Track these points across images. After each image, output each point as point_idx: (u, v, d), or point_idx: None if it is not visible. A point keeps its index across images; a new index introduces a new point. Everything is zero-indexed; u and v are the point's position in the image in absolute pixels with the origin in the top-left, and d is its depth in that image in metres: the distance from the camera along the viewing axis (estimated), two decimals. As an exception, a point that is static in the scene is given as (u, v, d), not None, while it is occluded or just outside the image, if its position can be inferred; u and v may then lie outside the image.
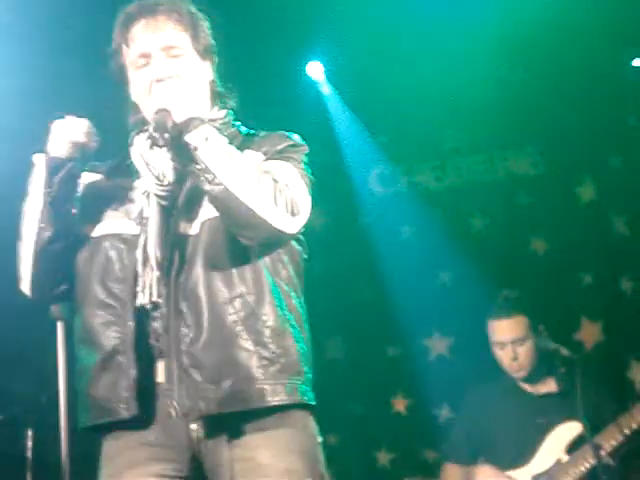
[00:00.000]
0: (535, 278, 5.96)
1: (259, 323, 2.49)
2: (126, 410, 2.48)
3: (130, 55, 2.65)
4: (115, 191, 2.68)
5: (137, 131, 2.68)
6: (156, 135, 2.43)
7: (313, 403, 2.56)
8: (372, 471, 6.19)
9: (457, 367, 6.09)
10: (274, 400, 2.46)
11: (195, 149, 2.41)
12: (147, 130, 2.60)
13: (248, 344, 2.47)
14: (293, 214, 2.46)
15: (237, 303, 2.48)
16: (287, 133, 2.68)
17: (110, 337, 2.52)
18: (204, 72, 2.70)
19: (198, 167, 2.42)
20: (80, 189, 2.68)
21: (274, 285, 2.55)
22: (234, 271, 2.51)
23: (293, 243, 2.65)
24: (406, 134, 6.30)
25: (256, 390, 2.45)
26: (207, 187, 2.41)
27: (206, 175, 2.41)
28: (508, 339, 4.59)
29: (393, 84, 5.88)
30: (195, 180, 2.47)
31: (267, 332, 2.49)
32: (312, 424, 2.57)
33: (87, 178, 2.72)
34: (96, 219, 2.65)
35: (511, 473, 4.48)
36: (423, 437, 6.11)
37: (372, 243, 6.31)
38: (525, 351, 4.57)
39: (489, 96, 5.78)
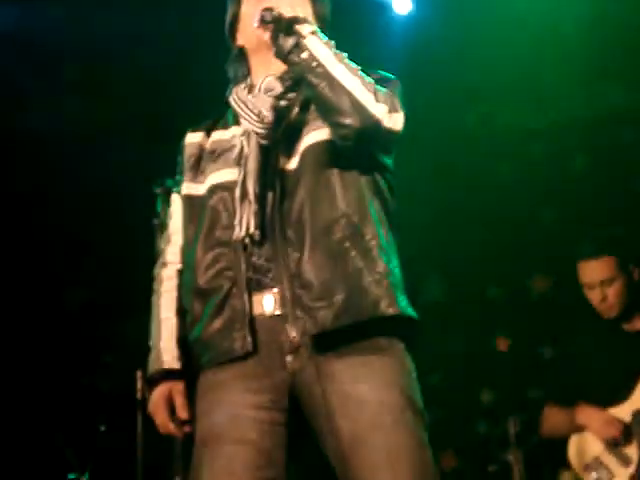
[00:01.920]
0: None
1: (365, 241, 2.51)
2: (241, 348, 2.52)
3: None
4: (214, 145, 2.73)
5: (235, 82, 2.75)
6: (264, 12, 2.51)
7: (417, 317, 2.55)
8: (475, 410, 6.22)
9: (559, 306, 6.05)
10: (389, 310, 2.46)
11: (302, 37, 2.47)
12: (246, 81, 2.70)
13: (357, 260, 2.49)
14: (390, 111, 2.49)
15: (342, 222, 2.51)
16: (378, 70, 2.68)
17: (223, 283, 2.57)
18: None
19: (303, 55, 2.47)
20: (184, 151, 2.77)
21: (373, 209, 2.58)
22: (337, 193, 2.53)
23: (380, 182, 2.65)
24: (504, 73, 6.21)
25: (371, 300, 2.46)
26: (309, 75, 2.46)
27: (310, 63, 2.46)
28: (596, 280, 4.58)
29: (489, 24, 5.81)
30: (296, 72, 2.52)
31: (375, 249, 2.52)
32: (409, 360, 2.56)
33: (189, 139, 2.79)
34: (200, 177, 2.71)
35: (611, 410, 4.46)
36: (527, 376, 6.08)
37: (470, 182, 6.28)
38: (614, 291, 4.54)
39: (590, 29, 5.66)
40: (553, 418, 4.67)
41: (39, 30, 5.92)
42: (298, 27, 2.48)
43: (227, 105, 2.74)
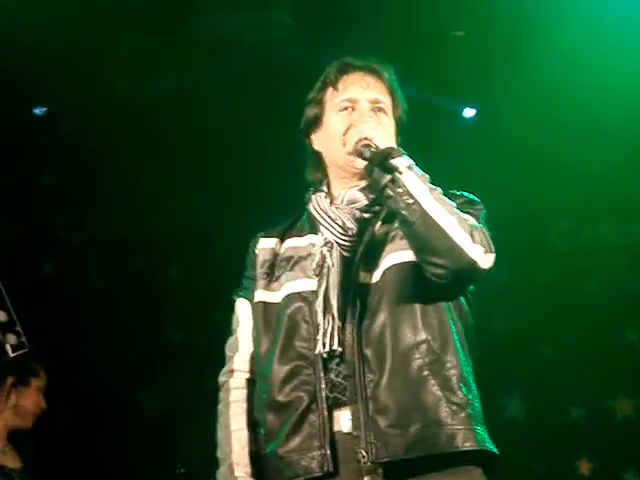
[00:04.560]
0: None
1: (445, 369, 2.47)
2: (319, 467, 2.47)
3: (335, 98, 2.71)
4: (290, 252, 2.70)
5: (315, 189, 2.73)
6: (363, 149, 2.48)
7: (497, 452, 2.50)
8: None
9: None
10: (465, 445, 2.41)
11: (399, 172, 2.42)
12: (325, 188, 2.69)
13: (435, 389, 2.44)
14: (486, 252, 2.44)
15: (422, 348, 2.47)
16: (462, 192, 2.68)
17: (302, 398, 2.52)
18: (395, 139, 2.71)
19: (399, 190, 2.42)
20: (258, 256, 2.74)
21: (456, 335, 2.53)
22: (419, 317, 2.50)
23: (462, 302, 2.62)
24: (587, 187, 6.13)
25: (446, 434, 2.41)
26: (404, 212, 2.41)
27: (405, 199, 2.40)
28: None
29: (571, 135, 5.76)
30: (390, 206, 2.48)
31: (454, 379, 2.47)
32: None
33: (263, 244, 2.76)
34: (274, 284, 2.68)
35: None
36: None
37: (554, 299, 6.16)
38: None
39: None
40: None
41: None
42: (394, 162, 2.43)
43: (302, 210, 2.74)
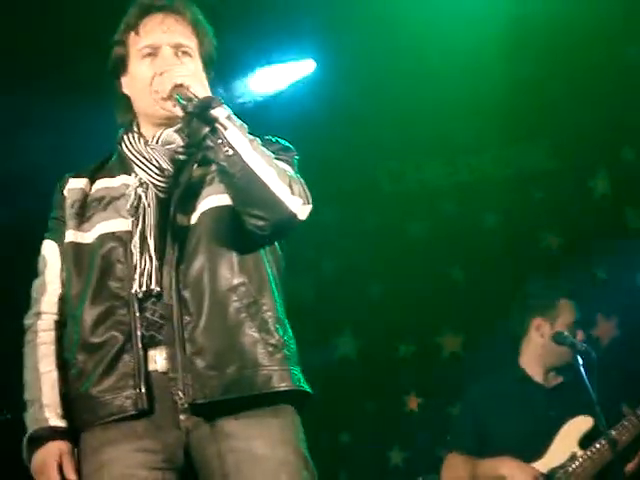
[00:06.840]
0: (549, 274, 5.89)
1: (261, 312, 2.51)
2: (134, 406, 2.46)
3: (138, 44, 2.66)
4: (101, 192, 2.67)
5: (126, 129, 2.69)
6: (184, 102, 2.43)
7: (311, 392, 2.57)
8: (385, 470, 6.16)
9: (470, 365, 6.04)
10: (280, 386, 2.47)
11: (219, 124, 2.40)
12: (135, 129, 2.66)
13: (253, 331, 2.48)
14: (304, 202, 2.49)
15: (240, 291, 2.50)
16: (274, 138, 2.69)
17: (116, 337, 2.50)
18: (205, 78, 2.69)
19: (218, 141, 2.40)
20: (66, 197, 2.69)
21: (272, 277, 2.58)
22: (236, 260, 2.52)
23: (276, 246, 2.66)
24: (415, 130, 6.22)
25: (263, 375, 2.46)
26: (224, 163, 2.40)
27: (225, 150, 2.39)
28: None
29: (400, 80, 5.81)
30: (210, 157, 2.46)
31: (271, 321, 2.52)
32: (299, 420, 2.57)
33: (71, 184, 2.71)
34: (86, 225, 2.63)
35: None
36: (437, 435, 6.04)
37: (382, 240, 6.27)
38: None
39: (501, 90, 5.70)
40: (456, 467, 4.61)
41: None
42: (214, 112, 2.41)
43: (112, 151, 2.71)
